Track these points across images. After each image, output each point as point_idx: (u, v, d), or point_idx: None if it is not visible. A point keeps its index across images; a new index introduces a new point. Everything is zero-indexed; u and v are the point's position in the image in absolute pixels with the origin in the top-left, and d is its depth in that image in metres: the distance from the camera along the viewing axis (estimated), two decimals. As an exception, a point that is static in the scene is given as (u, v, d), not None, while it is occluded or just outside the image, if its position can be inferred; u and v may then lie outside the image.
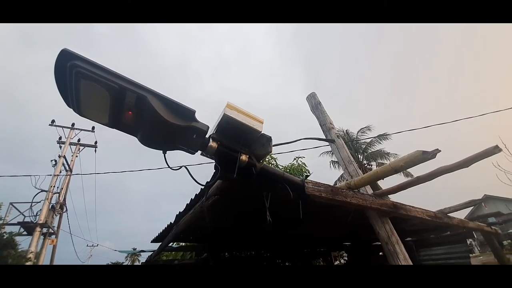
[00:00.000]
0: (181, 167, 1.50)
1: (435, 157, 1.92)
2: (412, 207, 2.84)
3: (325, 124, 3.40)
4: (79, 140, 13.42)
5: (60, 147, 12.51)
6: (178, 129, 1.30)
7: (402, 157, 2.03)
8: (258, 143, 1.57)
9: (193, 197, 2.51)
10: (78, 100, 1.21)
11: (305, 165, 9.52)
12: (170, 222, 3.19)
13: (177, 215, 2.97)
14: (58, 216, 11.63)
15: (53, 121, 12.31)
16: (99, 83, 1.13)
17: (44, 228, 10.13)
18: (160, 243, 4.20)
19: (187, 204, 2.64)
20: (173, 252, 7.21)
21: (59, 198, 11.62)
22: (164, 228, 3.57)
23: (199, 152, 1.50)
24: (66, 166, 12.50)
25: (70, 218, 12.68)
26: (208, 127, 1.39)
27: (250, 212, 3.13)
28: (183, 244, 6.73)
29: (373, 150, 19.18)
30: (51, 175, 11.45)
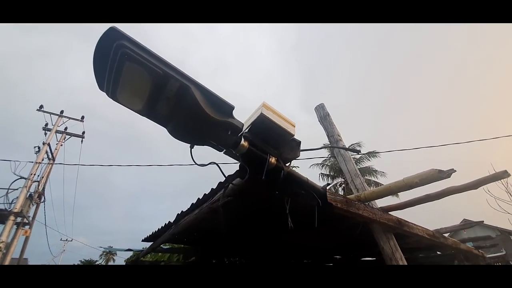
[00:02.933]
0: (210, 163, 1.45)
1: (450, 176, 1.96)
2: (414, 224, 2.88)
3: (333, 136, 3.43)
4: (66, 128, 12.90)
5: (45, 134, 11.97)
6: (215, 123, 1.25)
7: (417, 174, 2.06)
8: (288, 146, 1.54)
9: (200, 197, 2.43)
10: (115, 82, 1.14)
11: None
12: (169, 221, 3.05)
13: (178, 214, 2.85)
14: (34, 206, 10.99)
15: (41, 106, 11.80)
16: (145, 67, 1.07)
17: (18, 218, 9.52)
18: (151, 242, 4.03)
19: (192, 203, 2.55)
20: (159, 254, 6.93)
21: (38, 187, 11.01)
22: (160, 227, 3.41)
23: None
24: (50, 154, 11.93)
25: (47, 210, 12.04)
26: (243, 125, 1.35)
27: (252, 217, 3.06)
28: (169, 245, 6.50)
29: (361, 166, 19.58)
30: (32, 162, 10.88)
